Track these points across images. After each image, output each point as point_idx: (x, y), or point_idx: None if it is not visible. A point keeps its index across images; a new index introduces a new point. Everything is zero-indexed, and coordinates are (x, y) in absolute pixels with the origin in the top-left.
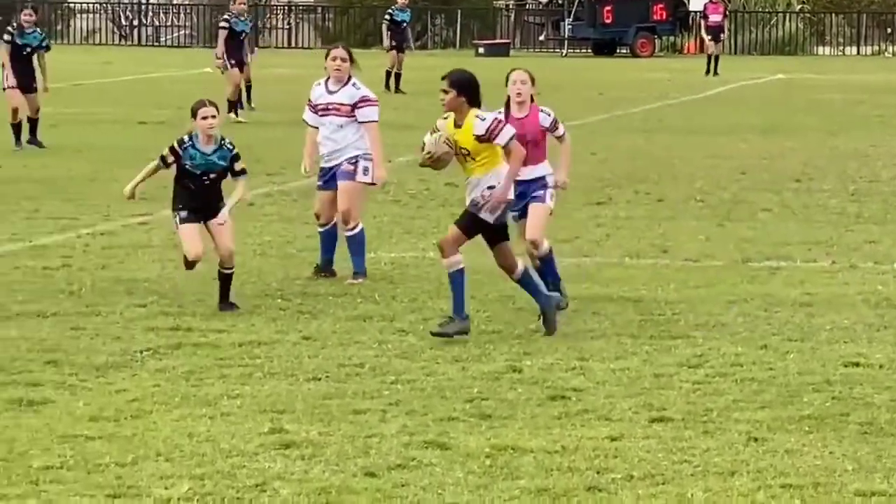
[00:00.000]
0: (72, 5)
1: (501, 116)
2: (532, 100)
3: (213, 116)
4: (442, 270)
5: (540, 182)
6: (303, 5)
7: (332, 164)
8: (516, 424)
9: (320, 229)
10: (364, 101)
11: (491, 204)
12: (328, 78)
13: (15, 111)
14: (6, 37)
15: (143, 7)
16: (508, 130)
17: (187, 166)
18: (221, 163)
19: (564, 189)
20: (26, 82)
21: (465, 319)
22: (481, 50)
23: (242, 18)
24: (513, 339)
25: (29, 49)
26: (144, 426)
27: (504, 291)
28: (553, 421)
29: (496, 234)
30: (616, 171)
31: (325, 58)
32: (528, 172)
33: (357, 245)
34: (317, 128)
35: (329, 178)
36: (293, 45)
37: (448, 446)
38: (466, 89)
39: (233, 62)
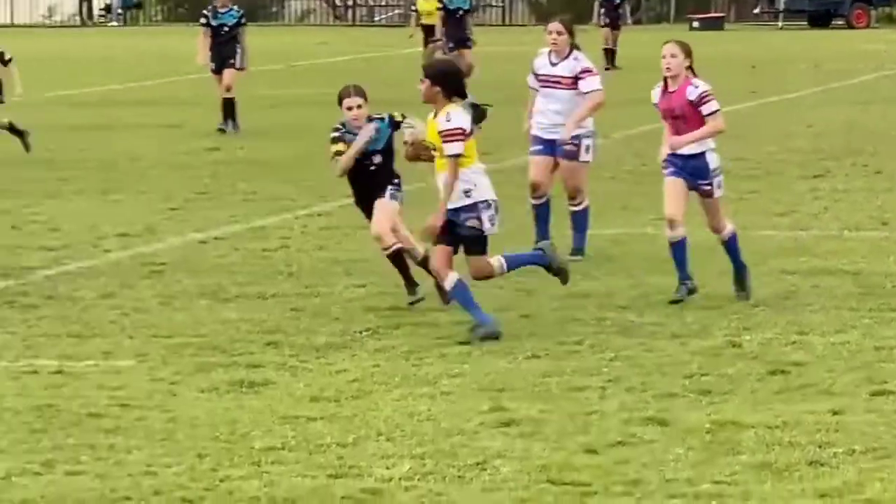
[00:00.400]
0: None
1: (466, 125)
2: (693, 73)
3: (359, 106)
4: (661, 247)
5: (702, 161)
6: None
7: (551, 136)
8: (736, 400)
9: (535, 201)
10: (585, 71)
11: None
12: (551, 50)
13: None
14: (202, 20)
15: None
16: (457, 146)
17: None
18: (377, 146)
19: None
20: (219, 63)
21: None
22: (695, 24)
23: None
24: (731, 314)
25: (226, 28)
26: (365, 406)
27: (723, 267)
28: (773, 396)
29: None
30: (833, 143)
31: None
32: (687, 149)
33: (581, 220)
34: (538, 90)
35: (544, 147)
36: (507, 22)
37: (668, 422)
38: (441, 79)
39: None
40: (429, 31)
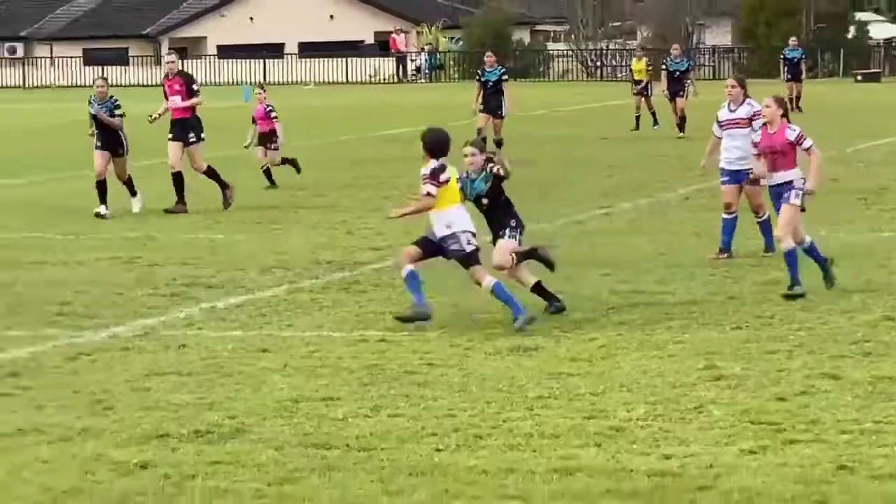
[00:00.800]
0: (551, 52)
1: (441, 174)
2: (787, 119)
3: (473, 154)
4: (828, 248)
5: (788, 185)
6: (723, 47)
7: (735, 167)
8: (891, 360)
9: (726, 216)
10: (758, 114)
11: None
12: (729, 101)
13: (480, 129)
14: (478, 76)
15: (603, 51)
16: (430, 188)
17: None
18: (480, 186)
19: (810, 195)
20: (489, 109)
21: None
22: (859, 77)
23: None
24: (888, 294)
25: (491, 82)
26: (610, 365)
27: (880, 261)
28: None
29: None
30: None
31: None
32: (779, 177)
33: (766, 227)
34: (720, 138)
35: (731, 177)
36: (716, 77)
37: (839, 377)
38: (426, 147)
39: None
40: (639, 85)
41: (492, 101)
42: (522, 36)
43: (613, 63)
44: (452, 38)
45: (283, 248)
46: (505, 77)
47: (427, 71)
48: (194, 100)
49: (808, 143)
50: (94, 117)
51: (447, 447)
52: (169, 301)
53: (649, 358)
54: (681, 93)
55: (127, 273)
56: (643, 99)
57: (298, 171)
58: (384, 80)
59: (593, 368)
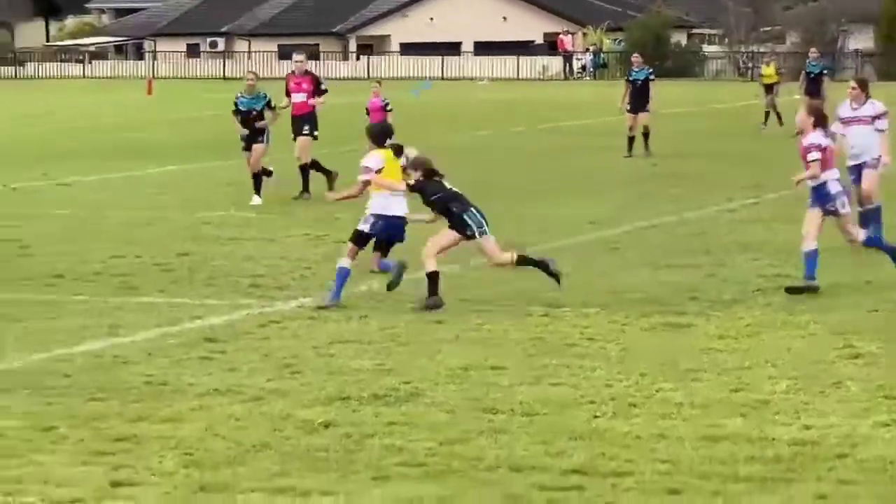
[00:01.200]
0: (706, 54)
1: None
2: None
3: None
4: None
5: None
6: (865, 51)
7: (856, 162)
8: None
9: (862, 209)
10: (883, 114)
11: None
12: (850, 99)
13: (631, 127)
14: (627, 76)
15: (754, 54)
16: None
17: None
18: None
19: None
20: (635, 108)
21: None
22: None
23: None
24: None
25: (639, 82)
26: (756, 343)
27: None
28: None
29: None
30: None
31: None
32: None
33: (875, 216)
34: (843, 135)
35: (856, 173)
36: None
37: None
38: (372, 137)
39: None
40: (768, 88)
41: (638, 100)
42: (680, 38)
43: (758, 65)
44: (615, 40)
45: None
46: (652, 77)
47: (592, 69)
48: (321, 98)
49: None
50: (241, 112)
51: (604, 414)
52: (352, 275)
53: (792, 337)
54: (817, 93)
55: (315, 249)
56: (771, 98)
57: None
58: (552, 77)
59: (740, 345)
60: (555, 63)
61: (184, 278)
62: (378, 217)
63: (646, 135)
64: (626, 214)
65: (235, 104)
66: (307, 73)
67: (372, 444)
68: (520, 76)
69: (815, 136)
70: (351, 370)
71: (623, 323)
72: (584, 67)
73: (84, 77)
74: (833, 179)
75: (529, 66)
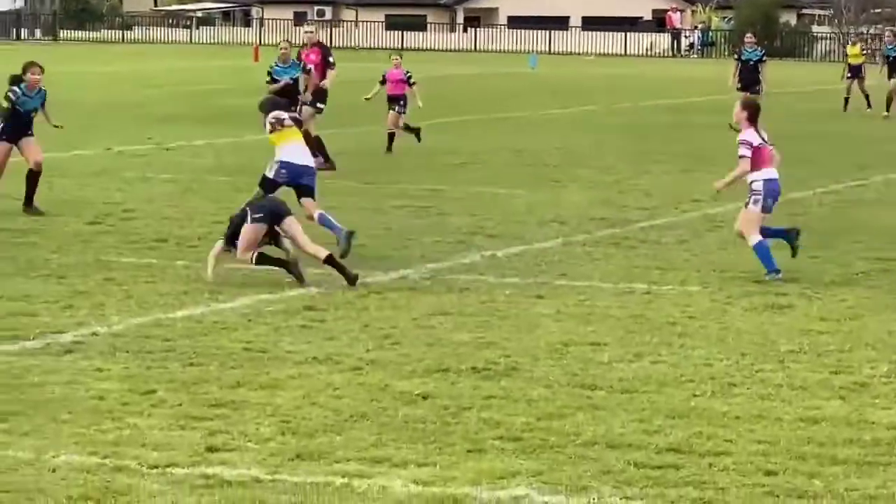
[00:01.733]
0: (815, 34)
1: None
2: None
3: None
4: None
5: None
6: None
7: None
8: None
9: None
10: None
11: None
12: None
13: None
14: (735, 55)
15: (863, 35)
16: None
17: None
18: None
19: None
20: (746, 86)
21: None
22: None
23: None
24: None
25: (751, 62)
26: (858, 325)
27: None
28: None
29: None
30: None
31: None
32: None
33: None
34: None
35: None
36: None
37: None
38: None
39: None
40: (854, 70)
41: (749, 79)
42: (789, 18)
43: (873, 47)
44: (724, 18)
45: (560, 204)
46: (764, 59)
47: (699, 47)
48: (331, 73)
49: (739, 150)
50: (276, 83)
51: (703, 393)
52: (453, 248)
53: (893, 320)
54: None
55: (418, 220)
56: (856, 82)
57: (419, 139)
58: (659, 54)
59: (841, 327)
60: (662, 40)
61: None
62: (284, 164)
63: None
64: (730, 193)
65: (270, 73)
66: (317, 44)
67: (469, 417)
68: (627, 52)
69: (749, 134)
70: (450, 342)
71: (725, 302)
72: (691, 45)
73: (191, 42)
74: (762, 179)
75: (637, 42)
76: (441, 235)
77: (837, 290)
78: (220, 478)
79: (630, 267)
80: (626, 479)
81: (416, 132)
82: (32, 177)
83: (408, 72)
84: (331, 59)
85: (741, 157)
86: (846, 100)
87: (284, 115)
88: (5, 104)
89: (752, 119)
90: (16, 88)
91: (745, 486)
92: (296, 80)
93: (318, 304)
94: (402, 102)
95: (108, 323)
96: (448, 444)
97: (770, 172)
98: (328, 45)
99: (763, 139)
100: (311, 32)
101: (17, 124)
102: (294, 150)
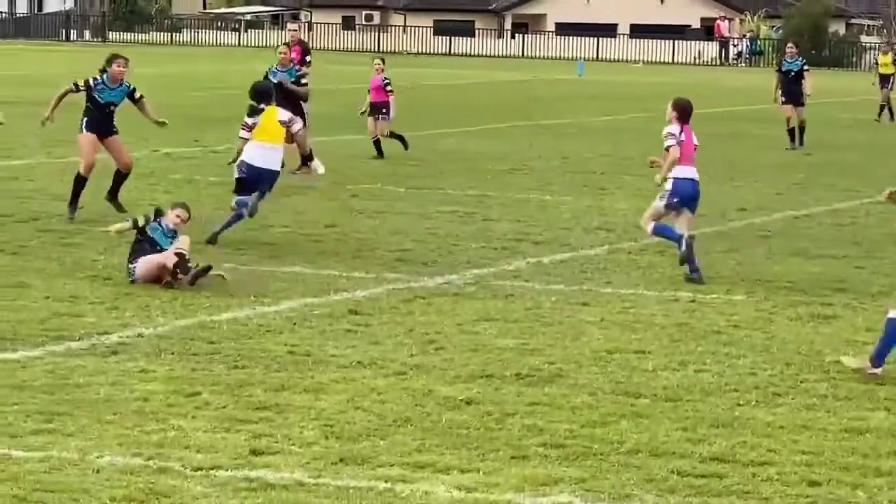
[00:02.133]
0: (864, 44)
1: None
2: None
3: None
4: None
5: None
6: None
7: None
8: None
9: None
10: None
11: None
12: None
13: (789, 119)
14: (778, 67)
15: None
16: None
17: None
18: None
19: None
20: (791, 99)
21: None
22: None
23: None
24: None
25: (792, 73)
26: None
27: None
28: None
29: None
30: None
31: None
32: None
33: None
34: None
35: None
36: None
37: None
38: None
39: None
40: (884, 78)
41: (793, 91)
42: (838, 28)
43: None
44: (773, 27)
45: (606, 211)
46: (806, 67)
47: (748, 56)
48: (304, 69)
49: (666, 142)
50: (278, 85)
51: (747, 402)
52: (499, 254)
53: None
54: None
55: (463, 226)
56: (886, 92)
57: (406, 147)
58: (707, 62)
59: None
60: (710, 48)
61: (330, 250)
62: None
63: (801, 129)
64: (776, 202)
65: (267, 77)
66: (299, 42)
67: (513, 424)
68: (675, 60)
69: (673, 128)
70: (494, 348)
71: (770, 312)
72: (739, 54)
73: (239, 45)
74: (673, 177)
75: (685, 50)
76: (487, 241)
77: (883, 301)
78: (263, 481)
79: (675, 275)
80: (669, 487)
81: (401, 139)
82: (120, 175)
83: (386, 78)
84: (307, 58)
85: (667, 147)
86: (882, 107)
87: (256, 120)
88: (80, 83)
89: (683, 118)
90: (96, 76)
91: (788, 497)
92: (294, 83)
93: (362, 309)
94: (384, 110)
95: (154, 324)
96: (491, 451)
97: (686, 171)
98: (380, 49)
99: (691, 139)
100: (295, 31)
101: (99, 116)
102: (257, 150)
